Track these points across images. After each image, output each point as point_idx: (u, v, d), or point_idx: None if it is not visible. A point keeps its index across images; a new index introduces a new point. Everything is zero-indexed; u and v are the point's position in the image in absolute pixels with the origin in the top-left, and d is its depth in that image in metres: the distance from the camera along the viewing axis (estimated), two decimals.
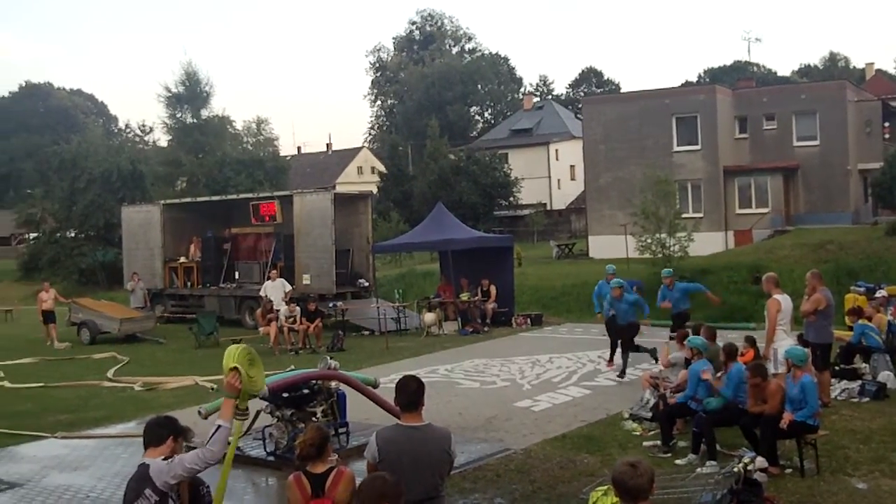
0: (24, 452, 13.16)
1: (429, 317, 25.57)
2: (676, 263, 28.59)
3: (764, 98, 44.38)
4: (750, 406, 10.87)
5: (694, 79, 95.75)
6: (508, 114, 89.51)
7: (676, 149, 41.68)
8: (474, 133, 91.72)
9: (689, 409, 11.39)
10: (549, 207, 66.68)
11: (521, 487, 10.34)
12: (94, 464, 12.25)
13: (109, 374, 20.28)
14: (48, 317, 27.56)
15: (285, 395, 11.75)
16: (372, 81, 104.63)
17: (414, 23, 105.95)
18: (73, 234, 55.01)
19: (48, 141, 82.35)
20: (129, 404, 16.60)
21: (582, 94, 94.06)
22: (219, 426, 5.46)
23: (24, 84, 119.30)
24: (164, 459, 5.36)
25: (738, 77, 68.05)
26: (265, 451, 11.82)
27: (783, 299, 12.94)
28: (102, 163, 52.98)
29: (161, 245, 31.70)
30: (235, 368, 5.87)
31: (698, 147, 41.46)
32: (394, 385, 6.27)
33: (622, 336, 17.21)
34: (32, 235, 62.43)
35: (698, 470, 9.91)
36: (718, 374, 11.35)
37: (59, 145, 62.57)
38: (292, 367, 17.52)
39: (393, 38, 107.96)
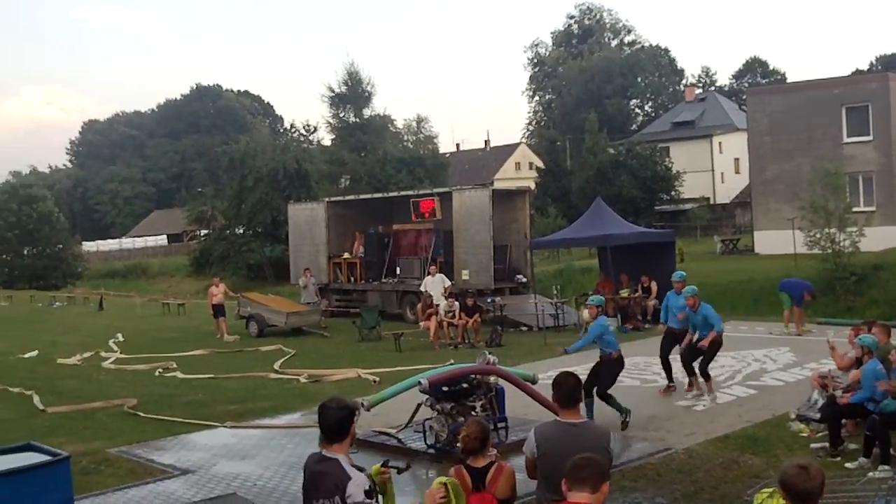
0: (195, 440, 13.69)
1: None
2: (847, 259, 27.55)
3: None
4: None
5: (865, 67, 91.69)
6: (670, 106, 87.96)
7: (846, 140, 40.05)
8: (634, 126, 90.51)
9: (860, 409, 10.90)
10: (712, 201, 65.21)
11: (683, 487, 10.14)
12: (260, 453, 12.64)
13: (276, 366, 20.89)
14: (218, 310, 28.56)
15: (445, 388, 11.89)
16: (530, 77, 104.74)
17: (572, 17, 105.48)
18: (241, 231, 56.99)
19: (217, 141, 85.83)
20: (295, 396, 17.05)
21: (746, 84, 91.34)
22: None
23: (194, 86, 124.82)
24: (367, 492, 5.00)
25: None
26: (425, 443, 11.96)
27: None
28: (269, 162, 54.69)
29: (326, 241, 32.44)
30: (445, 485, 5.83)
31: (870, 138, 39.72)
32: (551, 381, 6.23)
33: (594, 376, 13.33)
34: (203, 232, 65.08)
35: (870, 474, 9.51)
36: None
37: (227, 145, 65.08)
38: (452, 361, 17.69)
39: (551, 33, 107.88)
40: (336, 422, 5.23)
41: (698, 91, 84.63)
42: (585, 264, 37.83)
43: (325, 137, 68.81)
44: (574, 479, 4.66)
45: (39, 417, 16.26)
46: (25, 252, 72.09)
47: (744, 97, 66.84)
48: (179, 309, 40.03)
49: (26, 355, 26.02)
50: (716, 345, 14.78)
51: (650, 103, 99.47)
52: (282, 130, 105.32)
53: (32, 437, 11.33)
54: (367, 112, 63.78)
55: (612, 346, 13.22)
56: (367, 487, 5.00)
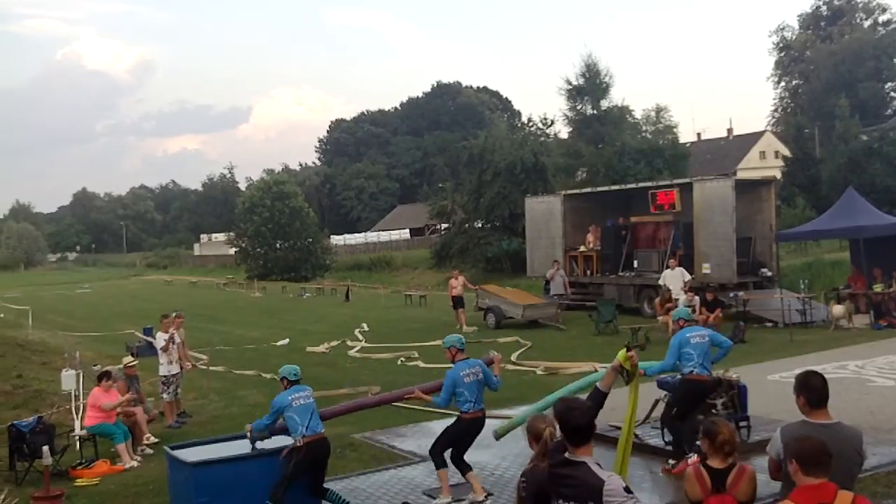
0: (434, 428, 13.93)
1: (837, 309, 24.13)
2: None
3: None
4: None
5: None
6: None
7: None
8: (889, 111, 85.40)
9: None
10: None
11: None
12: (496, 443, 12.71)
13: (513, 357, 21.06)
14: (457, 302, 29.14)
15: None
16: (776, 62, 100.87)
17: None
18: (479, 225, 57.78)
19: (457, 137, 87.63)
20: (532, 387, 17.13)
21: None
22: None
23: (435, 84, 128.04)
24: (626, 488, 4.76)
25: None
26: (662, 440, 11.74)
27: None
28: (507, 156, 55.12)
29: (562, 234, 32.48)
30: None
31: None
32: (795, 382, 5.94)
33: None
34: (444, 226, 66.45)
35: None
36: None
37: (467, 141, 66.10)
38: None
39: (798, 16, 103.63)
40: (588, 422, 5.00)
41: None
42: (836, 258, 36.03)
43: (563, 130, 68.66)
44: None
45: None
46: (278, 245, 76.25)
47: None
48: (421, 300, 41.07)
49: (278, 343, 27.49)
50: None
51: None
52: (519, 125, 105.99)
53: None
54: (604, 103, 63.09)
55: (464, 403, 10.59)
56: (624, 485, 4.80)
